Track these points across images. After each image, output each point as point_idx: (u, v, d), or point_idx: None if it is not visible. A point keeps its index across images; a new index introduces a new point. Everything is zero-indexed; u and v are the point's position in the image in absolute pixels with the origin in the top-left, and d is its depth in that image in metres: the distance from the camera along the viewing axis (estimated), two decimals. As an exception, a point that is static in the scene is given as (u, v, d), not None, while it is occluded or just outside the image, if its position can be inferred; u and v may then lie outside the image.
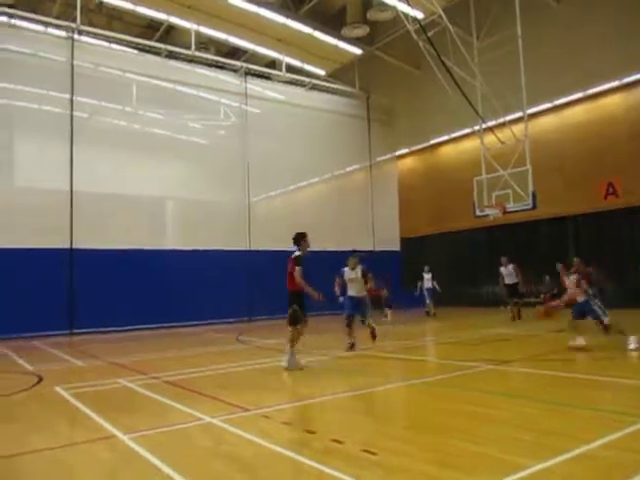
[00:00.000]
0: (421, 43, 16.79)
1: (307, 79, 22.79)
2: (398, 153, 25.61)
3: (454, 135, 22.88)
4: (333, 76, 24.17)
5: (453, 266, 22.13)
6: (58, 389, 7.03)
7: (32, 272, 15.08)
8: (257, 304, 18.63)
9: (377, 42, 22.96)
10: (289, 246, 20.84)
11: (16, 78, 16.01)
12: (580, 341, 8.83)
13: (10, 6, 16.41)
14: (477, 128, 18.82)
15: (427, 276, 18.07)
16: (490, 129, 18.35)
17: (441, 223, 23.16)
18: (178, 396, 6.40)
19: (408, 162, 25.70)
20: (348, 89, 24.06)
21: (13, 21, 16.13)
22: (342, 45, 22.29)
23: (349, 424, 5.03)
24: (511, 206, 17.04)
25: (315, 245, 20.53)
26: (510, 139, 17.67)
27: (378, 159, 24.96)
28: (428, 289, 18.01)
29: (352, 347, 9.89)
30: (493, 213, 17.69)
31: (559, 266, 11.96)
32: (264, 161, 20.46)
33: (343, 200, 23.00)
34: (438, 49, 16.33)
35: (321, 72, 23.86)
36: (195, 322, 17.20)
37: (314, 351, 10.08)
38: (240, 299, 18.58)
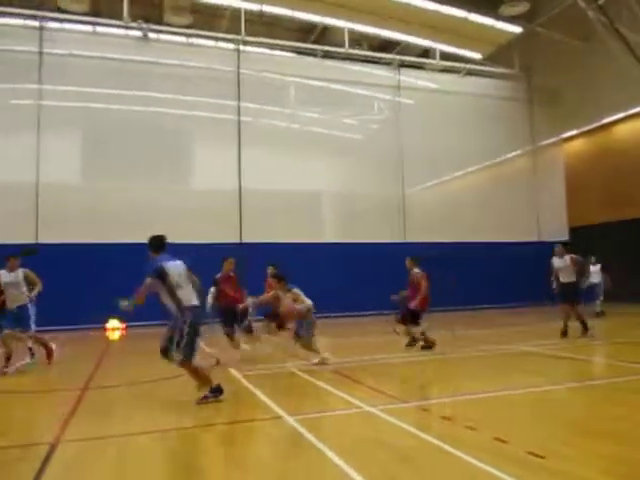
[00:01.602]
0: (590, 12, 15.27)
1: (462, 65, 22.02)
2: (565, 135, 23.58)
3: (632, 111, 20.39)
4: (489, 59, 22.99)
5: (629, 257, 19.78)
6: (232, 371, 7.77)
7: (209, 264, 16.73)
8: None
9: (538, 17, 21.32)
10: (445, 238, 20.40)
11: (193, 91, 17.87)
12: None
13: (188, 27, 18.39)
14: (661, 101, 16.59)
15: (593, 269, 15.28)
16: (678, 101, 16.06)
17: (616, 210, 20.82)
18: (339, 383, 6.69)
19: (576, 145, 23.51)
20: (506, 71, 22.73)
21: (190, 40, 18.12)
22: (499, 25, 21.09)
23: (514, 423, 4.84)
24: None
25: (472, 237, 20.01)
26: None
27: (541, 143, 23.25)
28: (594, 285, 15.16)
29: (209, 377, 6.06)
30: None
31: None
32: (418, 152, 20.31)
33: (502, 189, 21.88)
34: (610, 16, 14.71)
35: (477, 56, 22.84)
36: (348, 313, 17.63)
37: (473, 345, 9.82)
38: (391, 291, 18.63)
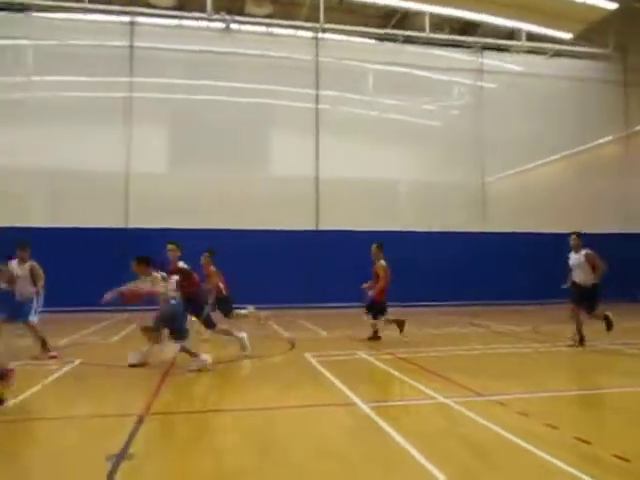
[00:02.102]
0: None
1: (549, 45, 20.87)
2: (664, 119, 21.81)
3: None
4: (580, 38, 21.60)
5: None
6: (307, 355, 7.93)
7: (281, 250, 17.04)
8: (487, 288, 17.99)
9: (638, -9, 19.73)
10: (526, 228, 19.58)
11: (273, 80, 18.18)
12: (136, 358, 7.17)
13: (268, 16, 18.71)
14: None
15: None
16: None
17: None
18: (412, 373, 6.67)
19: (677, 129, 21.69)
20: (599, 51, 21.27)
21: (270, 29, 18.46)
22: (592, 1, 19.73)
23: (598, 424, 4.63)
24: None
25: (555, 227, 19.03)
26: None
27: (636, 128, 21.64)
28: None
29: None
30: None
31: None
32: (500, 139, 19.54)
33: (590, 177, 20.57)
34: None
35: (566, 36, 21.55)
36: (425, 303, 17.38)
37: (554, 341, 9.42)
38: (469, 282, 18.19)
